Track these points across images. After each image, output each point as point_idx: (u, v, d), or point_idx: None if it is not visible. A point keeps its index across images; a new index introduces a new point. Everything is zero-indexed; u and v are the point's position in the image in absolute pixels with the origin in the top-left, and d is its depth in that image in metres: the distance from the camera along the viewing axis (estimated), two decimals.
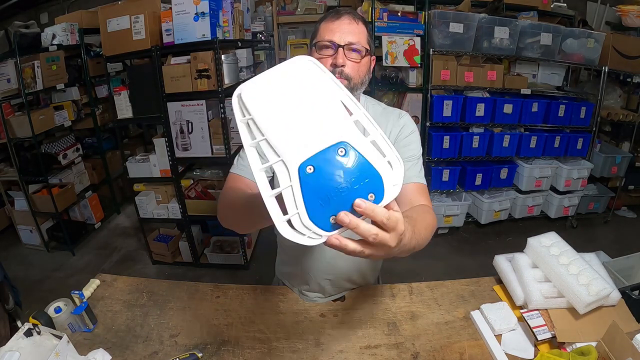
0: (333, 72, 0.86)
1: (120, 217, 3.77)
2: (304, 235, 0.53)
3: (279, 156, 0.54)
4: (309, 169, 0.52)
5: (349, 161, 0.53)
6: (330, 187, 0.52)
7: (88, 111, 3.42)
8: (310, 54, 0.97)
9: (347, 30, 0.91)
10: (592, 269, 1.05)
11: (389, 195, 0.54)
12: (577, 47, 2.84)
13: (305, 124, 0.54)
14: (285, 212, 0.53)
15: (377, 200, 0.53)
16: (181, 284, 1.27)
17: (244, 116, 0.56)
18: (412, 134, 1.03)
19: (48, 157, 2.99)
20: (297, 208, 0.53)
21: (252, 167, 0.55)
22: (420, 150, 1.04)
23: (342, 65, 0.90)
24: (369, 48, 0.94)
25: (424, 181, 1.01)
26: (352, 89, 0.93)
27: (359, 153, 0.53)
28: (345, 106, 0.57)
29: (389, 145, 0.56)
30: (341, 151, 0.53)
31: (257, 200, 0.72)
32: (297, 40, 3.67)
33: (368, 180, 0.53)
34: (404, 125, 1.03)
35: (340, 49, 0.90)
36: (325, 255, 1.11)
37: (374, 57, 0.97)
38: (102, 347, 0.99)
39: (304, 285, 1.19)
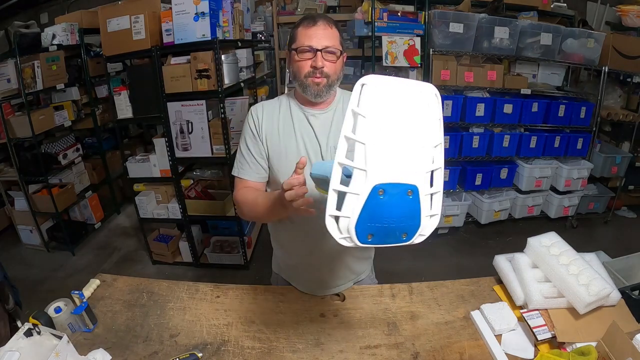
0: (314, 72, 0.99)
1: (120, 217, 3.77)
2: (342, 234, 0.60)
3: (365, 165, 0.57)
4: (381, 192, 0.57)
5: (410, 203, 0.58)
6: (385, 215, 0.58)
7: (88, 111, 3.42)
8: (289, 58, 1.07)
9: (323, 35, 1.00)
10: (592, 269, 1.05)
11: (415, 240, 0.62)
12: (577, 47, 2.84)
13: (400, 153, 0.58)
14: (339, 207, 0.59)
15: (407, 239, 0.61)
16: (181, 284, 1.27)
17: (358, 106, 0.59)
18: None
19: (48, 157, 2.99)
20: (352, 214, 0.58)
21: (336, 157, 0.59)
22: None
23: (322, 67, 1.00)
24: (341, 49, 1.05)
25: None
26: (330, 85, 1.03)
27: (419, 201, 0.59)
28: (436, 151, 0.61)
29: (440, 201, 0.62)
30: (409, 192, 0.58)
31: (269, 200, 0.94)
32: None
33: (411, 224, 0.60)
34: None
35: (319, 53, 1.00)
36: (322, 247, 1.13)
37: (345, 55, 1.08)
38: (102, 347, 0.99)
39: (304, 278, 1.20)
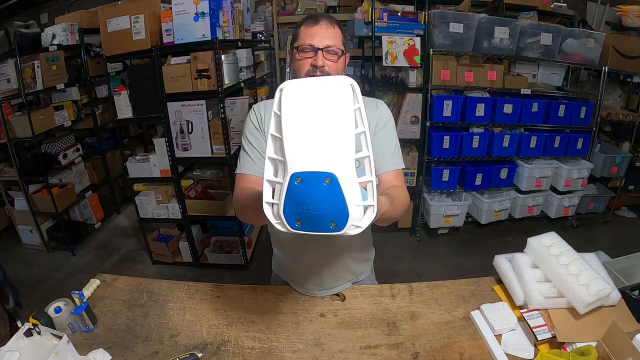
0: (314, 71, 0.98)
1: (120, 217, 3.77)
2: (276, 220, 0.66)
3: (284, 158, 0.64)
4: (298, 180, 0.62)
5: (329, 191, 0.62)
6: (305, 202, 0.62)
7: (88, 111, 3.43)
8: (291, 56, 1.06)
9: (324, 35, 1.00)
10: (592, 269, 1.05)
11: (348, 231, 0.63)
12: (577, 47, 2.84)
13: (314, 143, 0.63)
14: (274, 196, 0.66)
15: (337, 229, 0.63)
16: (181, 284, 1.27)
17: (277, 109, 0.67)
18: (389, 122, 1.12)
19: (48, 157, 2.99)
20: (279, 200, 0.64)
21: (266, 152, 0.67)
22: (396, 136, 1.13)
23: (322, 66, 1.00)
24: (344, 49, 1.04)
25: (401, 165, 1.11)
26: None
27: (340, 189, 0.61)
28: (360, 140, 0.65)
29: (373, 192, 0.64)
30: (327, 180, 0.61)
31: (257, 200, 0.81)
32: None
33: (336, 212, 0.62)
34: (381, 115, 1.11)
35: (320, 52, 1.00)
36: (322, 248, 1.13)
37: (348, 54, 1.07)
38: (102, 347, 0.99)
39: (303, 279, 1.20)
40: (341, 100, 0.64)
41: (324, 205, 0.62)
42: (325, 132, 0.63)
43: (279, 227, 0.66)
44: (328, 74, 1.00)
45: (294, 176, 0.62)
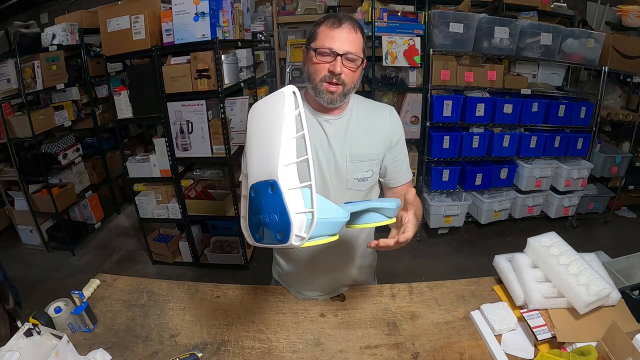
0: (330, 77, 0.92)
1: (120, 217, 3.77)
2: (247, 232, 0.69)
3: (248, 172, 0.68)
4: (254, 191, 0.65)
5: (272, 199, 0.61)
6: (260, 211, 0.64)
7: (88, 111, 3.42)
8: (306, 55, 1.00)
9: (346, 40, 0.94)
10: (592, 269, 1.05)
11: (293, 242, 0.60)
12: (577, 47, 2.84)
13: (263, 154, 0.65)
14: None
15: (284, 240, 0.61)
16: (181, 284, 1.27)
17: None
18: (402, 135, 1.13)
19: (48, 157, 2.99)
20: (246, 214, 0.68)
21: (247, 171, 0.71)
22: (406, 145, 1.15)
23: (340, 73, 0.94)
24: (363, 56, 0.99)
25: (411, 175, 1.16)
26: (345, 93, 0.98)
27: (281, 195, 0.60)
28: (305, 143, 0.63)
29: (313, 198, 0.61)
30: (271, 188, 0.61)
31: None
32: (297, 40, 3.67)
33: (281, 221, 0.61)
34: (396, 128, 1.11)
35: (339, 58, 0.93)
36: (325, 255, 1.13)
37: (365, 61, 1.02)
38: (102, 347, 0.99)
39: (304, 285, 1.20)
40: (281, 108, 0.63)
41: (270, 213, 0.62)
42: (269, 142, 0.64)
43: (249, 240, 0.68)
44: (344, 83, 0.95)
45: (251, 188, 0.65)
